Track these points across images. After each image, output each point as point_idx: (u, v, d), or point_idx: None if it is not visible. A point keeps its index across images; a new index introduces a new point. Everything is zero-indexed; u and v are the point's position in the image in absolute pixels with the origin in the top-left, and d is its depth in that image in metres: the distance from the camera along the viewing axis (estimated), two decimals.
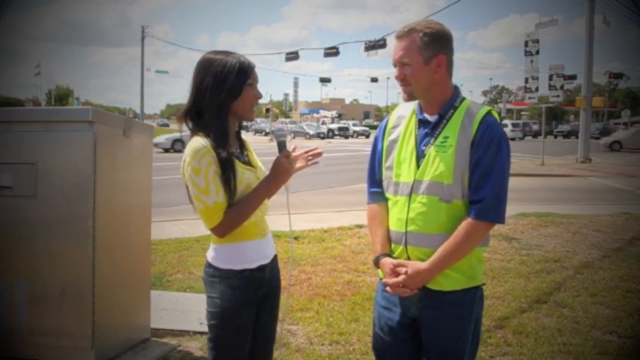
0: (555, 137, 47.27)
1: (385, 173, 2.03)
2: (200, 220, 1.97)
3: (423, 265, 1.87)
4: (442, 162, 1.86)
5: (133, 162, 3.33)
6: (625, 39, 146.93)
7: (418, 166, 1.91)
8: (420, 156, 1.93)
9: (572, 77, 23.76)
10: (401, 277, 1.89)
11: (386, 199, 2.04)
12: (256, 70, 2.07)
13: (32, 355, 2.97)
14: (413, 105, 2.02)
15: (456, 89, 1.98)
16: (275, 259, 2.19)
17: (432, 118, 1.95)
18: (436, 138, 1.91)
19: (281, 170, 1.98)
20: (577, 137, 24.34)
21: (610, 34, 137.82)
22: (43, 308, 2.97)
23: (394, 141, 2.02)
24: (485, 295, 4.44)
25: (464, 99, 1.96)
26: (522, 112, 69.68)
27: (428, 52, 1.88)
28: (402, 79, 1.93)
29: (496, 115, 1.93)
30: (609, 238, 6.99)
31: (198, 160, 1.90)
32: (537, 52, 20.64)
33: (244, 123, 2.20)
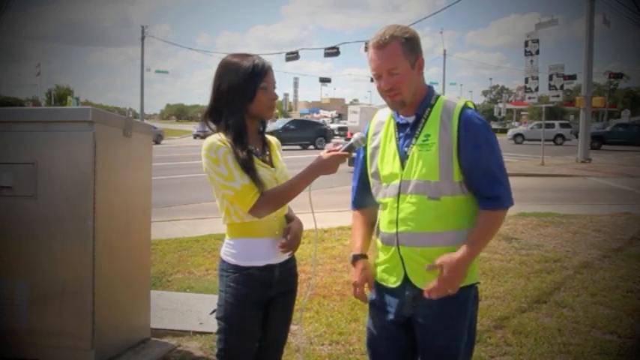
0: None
1: (372, 180, 2.05)
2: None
3: (456, 254, 1.82)
4: (427, 160, 1.87)
5: (133, 162, 3.33)
6: (625, 39, 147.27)
7: (403, 167, 1.92)
8: (403, 157, 1.93)
9: (572, 77, 23.70)
10: (445, 272, 1.81)
11: (370, 204, 2.08)
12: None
13: (32, 355, 2.97)
14: (390, 110, 2.03)
15: (430, 88, 1.99)
16: (290, 261, 2.19)
17: (410, 119, 1.96)
18: (417, 137, 1.91)
19: (332, 164, 1.98)
20: (577, 137, 24.34)
21: (610, 34, 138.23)
22: (43, 308, 2.97)
23: (376, 147, 2.03)
24: (486, 295, 4.49)
25: (439, 96, 1.97)
26: (522, 112, 69.65)
27: (412, 56, 1.90)
28: (391, 89, 1.90)
29: (472, 106, 1.94)
30: (609, 238, 6.98)
31: (215, 151, 1.95)
32: (537, 52, 20.59)
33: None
